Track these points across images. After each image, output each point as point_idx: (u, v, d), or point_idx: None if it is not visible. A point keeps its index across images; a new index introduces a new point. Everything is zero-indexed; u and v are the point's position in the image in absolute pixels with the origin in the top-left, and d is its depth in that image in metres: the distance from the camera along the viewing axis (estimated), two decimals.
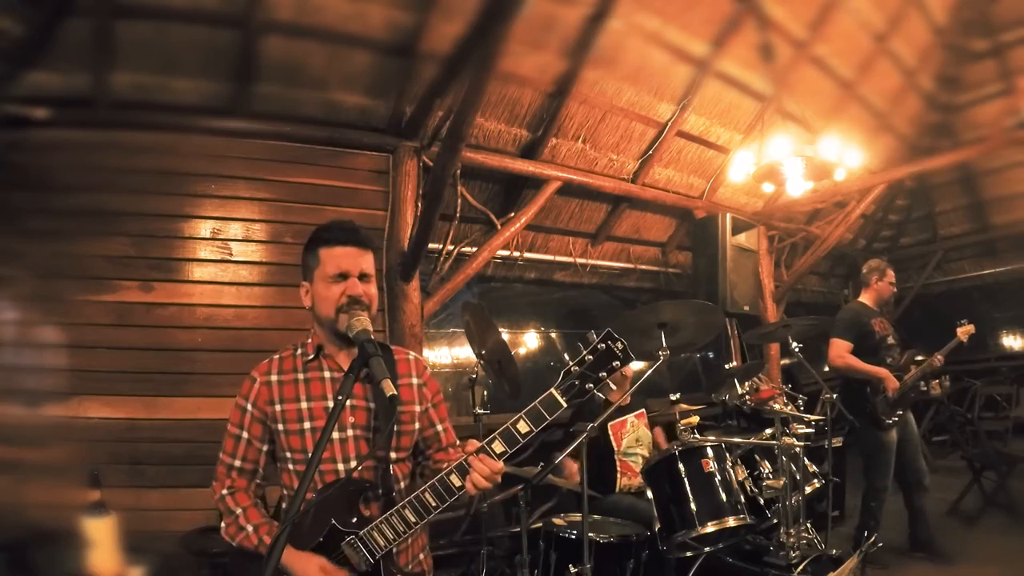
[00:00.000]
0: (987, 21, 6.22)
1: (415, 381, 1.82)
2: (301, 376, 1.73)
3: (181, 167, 3.33)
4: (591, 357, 1.59)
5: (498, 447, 1.58)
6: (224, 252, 3.38)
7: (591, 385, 1.58)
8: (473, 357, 3.44)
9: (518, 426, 1.58)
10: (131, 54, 3.04)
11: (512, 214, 4.44)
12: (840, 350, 4.02)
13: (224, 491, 1.73)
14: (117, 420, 3.07)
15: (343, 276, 1.68)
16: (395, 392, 1.45)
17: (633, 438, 3.55)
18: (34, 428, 2.95)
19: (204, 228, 3.35)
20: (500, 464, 1.58)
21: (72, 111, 3.08)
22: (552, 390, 1.59)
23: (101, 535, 1.62)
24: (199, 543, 2.72)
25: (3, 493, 2.71)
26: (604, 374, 1.58)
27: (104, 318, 3.13)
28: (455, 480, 1.58)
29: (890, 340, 4.09)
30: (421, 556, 1.80)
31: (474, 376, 3.38)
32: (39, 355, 3.08)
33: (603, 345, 1.59)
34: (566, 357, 1.65)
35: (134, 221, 3.21)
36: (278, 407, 1.70)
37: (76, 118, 3.11)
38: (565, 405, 1.58)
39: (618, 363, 1.59)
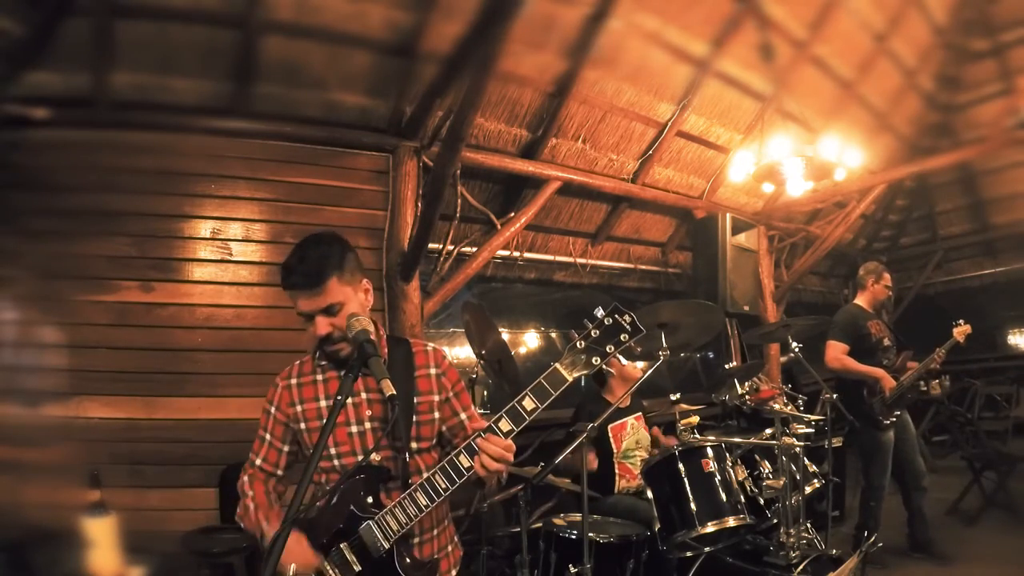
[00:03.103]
0: (987, 21, 6.23)
1: (433, 371, 1.81)
2: (319, 377, 1.79)
3: (181, 167, 3.33)
4: (597, 332, 1.57)
5: (504, 426, 1.56)
6: (224, 252, 3.38)
7: (598, 359, 1.55)
8: (473, 357, 3.44)
9: (524, 403, 1.56)
10: (131, 54, 3.04)
11: (512, 214, 4.44)
12: (837, 352, 4.04)
13: (245, 476, 1.81)
14: (117, 420, 3.06)
15: (308, 317, 1.68)
16: (394, 392, 1.47)
17: (633, 440, 3.55)
18: (34, 428, 2.95)
19: (204, 228, 3.35)
20: (508, 442, 1.56)
21: (72, 111, 3.08)
22: (556, 365, 1.57)
23: (101, 535, 1.63)
24: (199, 543, 2.72)
25: (3, 493, 2.71)
26: (612, 347, 1.56)
27: (104, 318, 3.13)
28: (464, 461, 1.57)
29: (886, 342, 4.11)
30: (449, 548, 1.83)
31: (474, 376, 3.38)
32: (39, 355, 3.08)
33: (610, 319, 1.58)
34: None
35: (134, 221, 3.21)
36: (299, 407, 1.76)
37: (76, 118, 3.11)
38: (571, 379, 1.56)
39: (626, 336, 1.56)
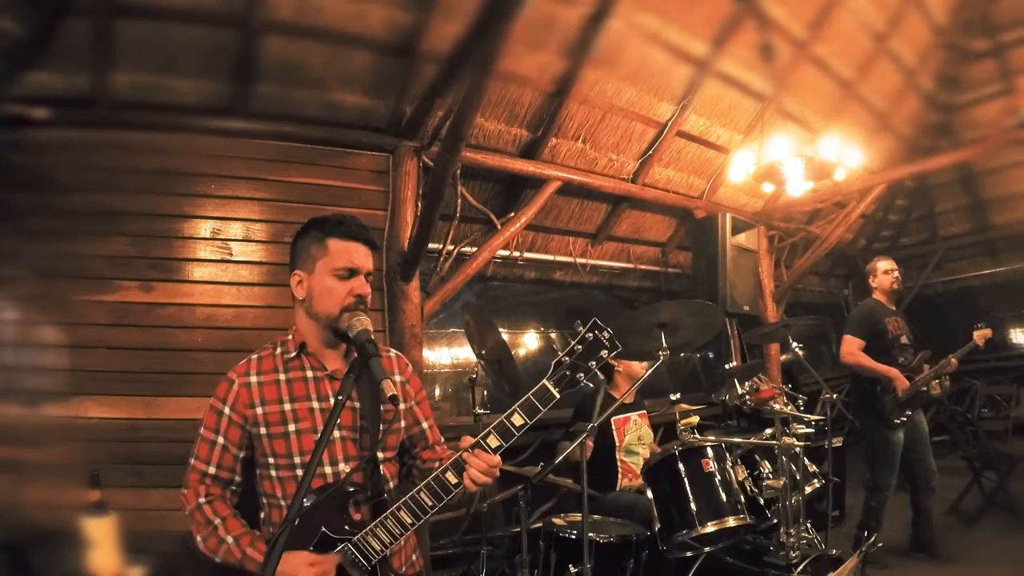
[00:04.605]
0: (987, 21, 6.23)
1: (398, 379, 1.81)
2: (282, 376, 1.69)
3: (181, 167, 3.32)
4: (580, 347, 1.61)
5: (493, 441, 1.57)
6: (224, 252, 3.37)
7: (582, 375, 1.60)
8: (473, 357, 3.45)
9: (512, 419, 1.58)
10: (131, 54, 3.03)
11: (512, 214, 4.44)
12: (851, 347, 4.00)
13: (201, 499, 1.68)
14: (117, 420, 3.06)
15: (353, 272, 1.65)
16: (396, 392, 1.45)
17: (635, 436, 3.56)
18: (34, 428, 2.95)
19: (204, 228, 3.35)
20: (496, 458, 1.58)
21: (72, 111, 3.07)
22: (544, 381, 1.59)
23: (101, 535, 1.63)
24: None
25: (3, 493, 2.71)
26: (593, 363, 1.60)
27: (104, 318, 3.12)
28: (451, 477, 1.56)
29: (903, 340, 4.07)
30: (414, 557, 1.79)
31: (474, 376, 3.39)
32: (39, 355, 3.07)
33: (591, 335, 1.62)
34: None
35: (134, 221, 3.20)
36: (259, 410, 1.65)
37: (76, 118, 3.10)
38: (558, 396, 1.59)
39: (606, 352, 1.61)
